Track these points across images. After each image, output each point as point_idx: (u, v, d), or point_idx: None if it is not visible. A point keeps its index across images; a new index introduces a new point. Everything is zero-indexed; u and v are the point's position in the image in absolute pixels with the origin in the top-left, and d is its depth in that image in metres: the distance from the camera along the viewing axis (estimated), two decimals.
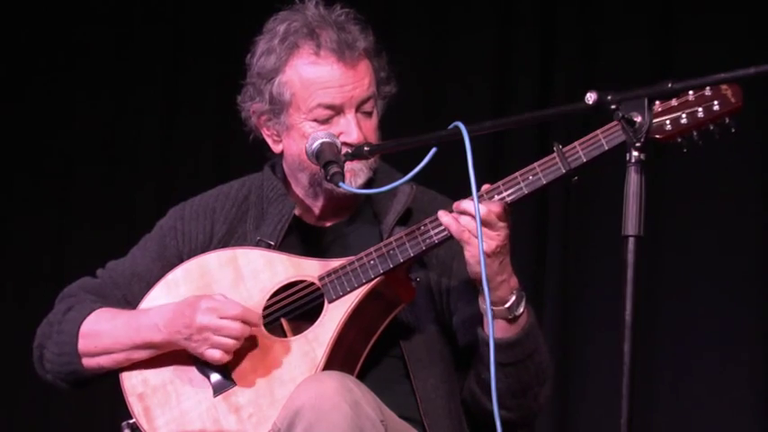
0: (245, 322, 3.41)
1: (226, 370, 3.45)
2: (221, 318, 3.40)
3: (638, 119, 2.96)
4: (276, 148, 3.61)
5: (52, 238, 6.00)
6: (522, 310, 3.37)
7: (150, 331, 3.48)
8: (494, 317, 3.32)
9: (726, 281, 5.29)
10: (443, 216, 3.34)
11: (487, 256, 3.27)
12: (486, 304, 3.25)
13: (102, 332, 3.53)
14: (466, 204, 3.30)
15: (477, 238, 3.26)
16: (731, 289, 5.29)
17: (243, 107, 3.61)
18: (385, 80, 3.59)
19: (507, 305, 3.35)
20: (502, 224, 3.30)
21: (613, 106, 2.99)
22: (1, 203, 6.01)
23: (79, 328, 3.55)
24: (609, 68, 5.46)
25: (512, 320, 3.36)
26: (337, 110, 3.50)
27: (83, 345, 3.54)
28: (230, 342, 3.41)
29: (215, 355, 3.42)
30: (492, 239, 3.28)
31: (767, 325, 5.27)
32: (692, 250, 5.34)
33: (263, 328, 3.47)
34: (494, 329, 3.27)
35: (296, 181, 3.62)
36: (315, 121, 3.50)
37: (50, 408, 5.87)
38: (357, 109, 3.51)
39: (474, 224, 3.26)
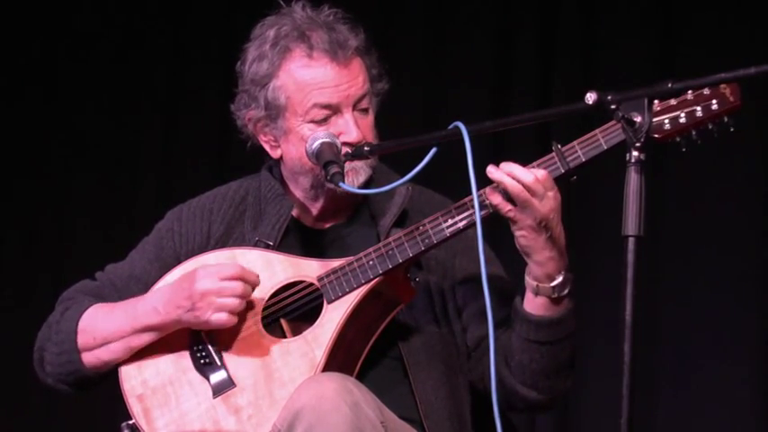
0: (244, 281, 3.41)
1: (225, 371, 3.45)
2: (221, 279, 3.40)
3: (638, 119, 2.97)
4: (275, 154, 3.60)
5: (52, 240, 6.00)
6: (566, 292, 3.34)
7: (148, 314, 3.47)
8: (537, 293, 3.33)
9: (726, 281, 5.29)
10: (494, 172, 3.26)
11: (532, 229, 3.26)
12: (530, 279, 3.28)
13: (100, 324, 3.52)
14: (515, 170, 3.25)
15: (524, 208, 3.24)
16: (731, 289, 5.29)
17: (238, 115, 3.61)
18: (377, 77, 3.58)
19: (553, 284, 3.32)
20: (550, 194, 3.26)
21: (613, 106, 3.00)
22: (1, 205, 6.01)
23: (77, 324, 3.54)
24: (609, 68, 5.46)
25: (555, 300, 3.33)
26: (334, 109, 3.49)
27: (81, 340, 3.54)
28: (235, 302, 3.40)
29: (221, 318, 3.40)
30: (537, 210, 3.25)
31: (767, 325, 5.26)
32: (692, 250, 5.34)
33: (262, 328, 3.46)
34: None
35: (295, 183, 3.62)
36: (312, 122, 3.50)
37: (51, 409, 5.87)
38: (353, 107, 3.51)
39: (523, 194, 3.24)
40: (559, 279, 3.33)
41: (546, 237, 3.28)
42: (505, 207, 3.27)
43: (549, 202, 3.26)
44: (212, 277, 3.40)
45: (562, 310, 3.35)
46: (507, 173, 3.26)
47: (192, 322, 3.44)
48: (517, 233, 3.29)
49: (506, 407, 3.46)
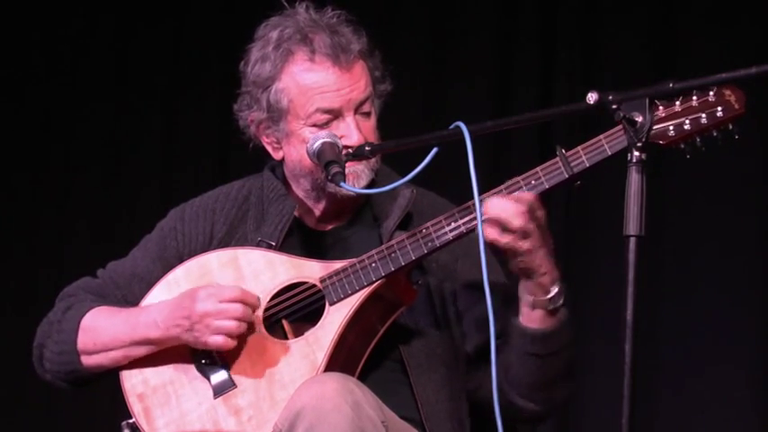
0: (245, 303, 3.41)
1: (226, 371, 3.45)
2: (221, 302, 3.40)
3: (640, 119, 2.97)
4: (277, 155, 3.60)
5: (54, 237, 6.00)
6: (561, 302, 3.33)
7: (148, 328, 3.47)
8: (534, 307, 3.31)
9: (726, 281, 5.29)
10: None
11: (529, 252, 3.25)
12: (526, 294, 3.28)
13: (101, 329, 3.52)
14: (502, 213, 3.23)
15: (521, 238, 3.23)
16: (732, 289, 5.29)
17: (240, 116, 3.60)
18: (380, 79, 3.58)
19: (549, 296, 3.31)
20: (538, 213, 3.25)
21: (614, 106, 3.00)
22: (2, 204, 6.01)
23: (78, 325, 3.54)
24: (609, 69, 5.46)
25: (552, 312, 3.33)
26: (336, 113, 3.49)
27: (82, 342, 3.54)
28: (233, 324, 3.39)
29: (218, 340, 3.40)
30: (530, 234, 3.24)
31: (767, 325, 5.27)
32: (693, 250, 5.34)
33: (263, 329, 3.46)
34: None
35: (297, 184, 3.62)
36: (314, 126, 3.49)
37: (51, 407, 5.87)
38: (355, 111, 3.50)
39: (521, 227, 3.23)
40: (555, 290, 3.32)
41: (540, 256, 3.27)
42: (503, 240, 3.24)
43: (536, 223, 3.25)
44: (212, 299, 3.40)
45: (557, 323, 3.34)
46: (497, 213, 3.23)
47: (191, 341, 3.44)
48: (516, 259, 3.26)
49: (506, 418, 3.46)
